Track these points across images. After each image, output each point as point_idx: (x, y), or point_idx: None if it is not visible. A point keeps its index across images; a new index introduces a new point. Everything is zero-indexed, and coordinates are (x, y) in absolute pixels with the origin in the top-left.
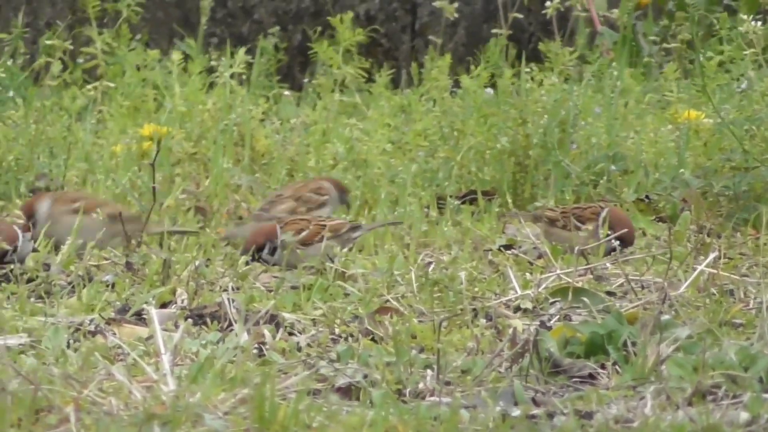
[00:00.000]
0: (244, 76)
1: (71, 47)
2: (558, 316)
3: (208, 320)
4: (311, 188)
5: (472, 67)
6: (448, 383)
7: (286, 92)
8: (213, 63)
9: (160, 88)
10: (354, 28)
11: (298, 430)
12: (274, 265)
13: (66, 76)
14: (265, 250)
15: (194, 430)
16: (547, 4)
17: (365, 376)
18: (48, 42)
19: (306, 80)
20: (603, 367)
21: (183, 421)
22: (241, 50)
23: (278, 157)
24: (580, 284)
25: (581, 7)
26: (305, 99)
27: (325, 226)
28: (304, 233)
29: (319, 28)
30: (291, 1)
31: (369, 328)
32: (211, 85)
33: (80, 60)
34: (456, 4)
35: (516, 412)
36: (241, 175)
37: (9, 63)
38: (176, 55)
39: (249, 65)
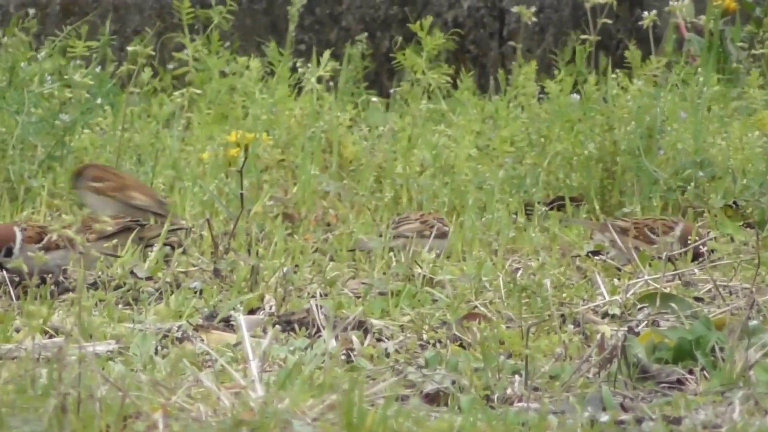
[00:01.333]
0: (331, 83)
1: (154, 53)
2: (646, 322)
3: (297, 326)
4: (438, 217)
5: (555, 72)
6: (536, 389)
7: (374, 99)
8: (300, 70)
9: (248, 94)
10: (442, 33)
11: None
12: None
13: (155, 83)
14: (2, 253)
15: None
16: (644, 14)
17: (453, 382)
18: (131, 48)
19: (393, 87)
20: (691, 372)
21: (271, 427)
22: (326, 53)
23: (366, 163)
24: (668, 290)
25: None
26: (393, 105)
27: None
28: (44, 239)
29: (399, 38)
30: (379, 8)
31: (457, 334)
32: (299, 92)
33: (170, 66)
34: (533, 8)
35: (604, 417)
36: (328, 182)
37: (97, 70)
38: (255, 63)
39: (337, 72)
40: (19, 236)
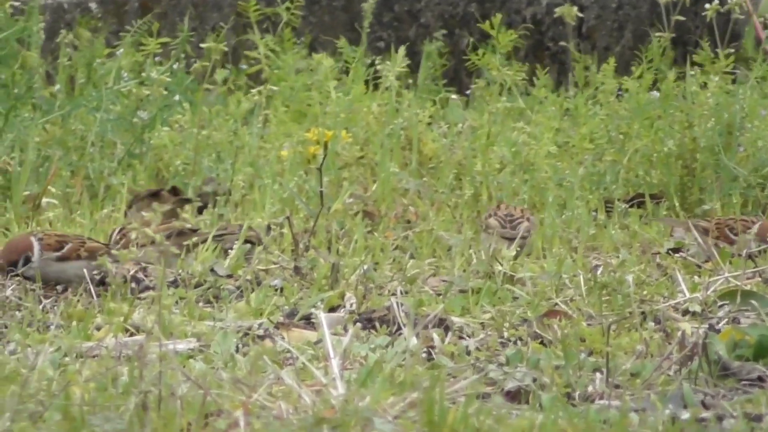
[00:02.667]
0: (410, 80)
1: (226, 50)
2: (726, 319)
3: (377, 324)
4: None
5: (633, 68)
6: (617, 386)
7: (453, 96)
8: (378, 66)
9: (324, 92)
10: (516, 30)
11: None
12: (27, 278)
13: (232, 80)
14: (20, 264)
15: None
16: (706, 6)
17: (534, 380)
18: (203, 45)
19: (472, 85)
20: None
21: (352, 425)
22: (401, 49)
23: (446, 161)
24: (748, 287)
25: (740, 9)
26: (472, 103)
27: (84, 243)
28: (65, 248)
29: (471, 38)
30: (457, 5)
31: (538, 331)
32: (376, 89)
33: (244, 66)
34: (577, 8)
35: (685, 415)
36: (408, 179)
37: (175, 67)
38: (328, 61)
39: (415, 69)
40: (36, 246)
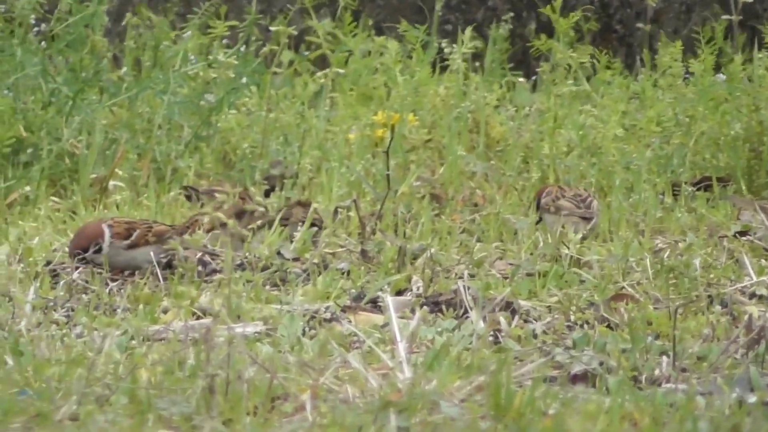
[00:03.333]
0: (477, 63)
1: (295, 33)
2: None
3: (444, 307)
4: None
5: (698, 51)
6: (684, 370)
7: (520, 79)
8: (446, 49)
9: (392, 75)
10: (584, 14)
11: (533, 418)
12: (96, 265)
13: (297, 63)
14: (91, 249)
15: (430, 418)
16: None
17: (601, 363)
18: (272, 28)
19: (539, 68)
20: None
21: (419, 408)
22: (468, 30)
23: (513, 143)
24: None
25: None
26: (539, 86)
27: (151, 228)
28: (133, 236)
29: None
30: None
31: (604, 314)
32: (443, 72)
33: (306, 52)
34: None
35: (752, 398)
36: (475, 162)
37: (242, 50)
38: (393, 44)
39: (483, 52)
40: (107, 233)
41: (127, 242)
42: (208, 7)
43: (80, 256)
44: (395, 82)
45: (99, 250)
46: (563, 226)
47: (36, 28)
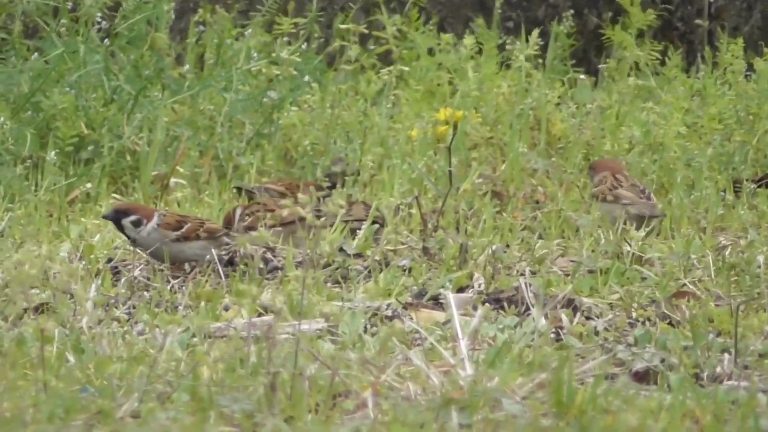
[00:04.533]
0: (539, 60)
1: (366, 31)
2: None
3: (506, 304)
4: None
5: (766, 50)
6: (745, 367)
7: (582, 76)
8: (508, 47)
9: (455, 72)
10: (651, 10)
11: (595, 415)
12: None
13: (363, 60)
14: (128, 219)
15: (492, 415)
16: None
17: (662, 360)
18: (342, 26)
19: (601, 65)
20: None
21: (481, 405)
22: (535, 32)
23: (574, 141)
24: None
25: None
26: (601, 83)
27: (203, 224)
28: (184, 228)
29: (607, 14)
30: None
31: (666, 312)
32: (504, 68)
33: (371, 47)
34: None
35: None
36: (537, 159)
37: (304, 47)
38: (469, 40)
39: (544, 49)
40: (156, 218)
41: (177, 233)
42: (271, 4)
43: (117, 221)
44: (460, 79)
45: (137, 224)
46: (625, 222)
47: (97, 26)
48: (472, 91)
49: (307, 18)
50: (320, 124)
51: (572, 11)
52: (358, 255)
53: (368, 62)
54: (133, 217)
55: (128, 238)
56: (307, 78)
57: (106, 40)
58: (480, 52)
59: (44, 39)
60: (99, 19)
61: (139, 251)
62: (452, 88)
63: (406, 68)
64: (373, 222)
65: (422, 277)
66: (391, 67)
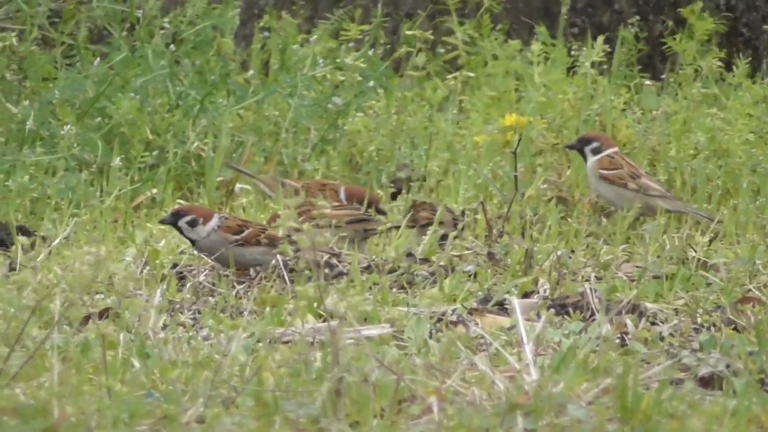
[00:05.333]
0: (604, 66)
1: (431, 37)
2: None
3: (571, 310)
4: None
5: None
6: None
7: (647, 82)
8: (573, 53)
9: (521, 78)
10: (712, 18)
11: (660, 420)
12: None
13: (430, 67)
14: (184, 220)
15: (557, 420)
16: None
17: (727, 366)
18: (408, 32)
19: (666, 71)
20: None
21: (546, 411)
22: (600, 38)
23: (640, 146)
24: None
25: None
26: (666, 89)
27: (264, 230)
28: (245, 232)
29: (670, 22)
30: None
31: (731, 317)
32: (569, 74)
33: (440, 50)
34: None
35: None
36: None
37: (369, 53)
38: (535, 46)
39: (609, 55)
40: (215, 220)
41: (237, 237)
42: (340, 15)
43: (174, 224)
44: (526, 86)
45: (193, 224)
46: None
47: (162, 30)
48: (538, 97)
49: (373, 24)
50: (385, 129)
51: (638, 17)
52: (424, 260)
53: (434, 68)
54: (188, 218)
55: (189, 240)
56: (372, 84)
57: (171, 45)
58: (546, 58)
59: (110, 44)
60: (165, 25)
61: (203, 257)
62: (518, 94)
63: (472, 74)
64: (441, 222)
65: (487, 282)
66: (457, 73)
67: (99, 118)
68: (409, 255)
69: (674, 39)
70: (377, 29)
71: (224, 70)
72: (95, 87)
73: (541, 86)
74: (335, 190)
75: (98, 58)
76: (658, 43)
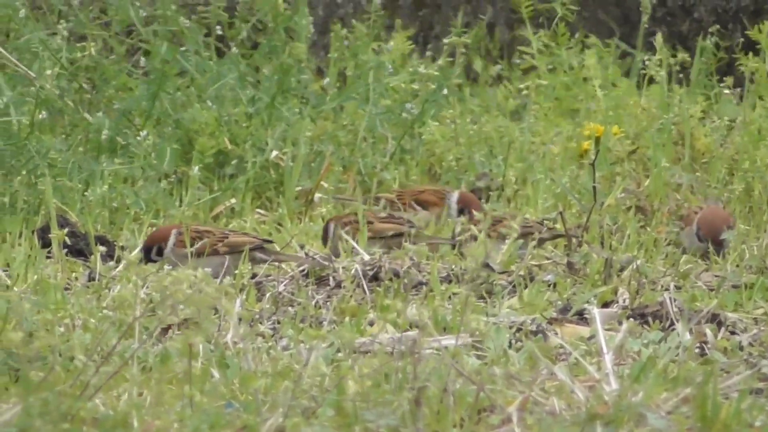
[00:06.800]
0: (681, 75)
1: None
2: None
3: (650, 319)
4: None
5: None
6: None
7: (726, 91)
8: (652, 61)
9: (598, 86)
10: None
11: (740, 429)
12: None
13: (505, 74)
14: (153, 252)
15: (637, 430)
16: None
17: None
18: (483, 41)
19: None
20: None
21: (625, 420)
22: (680, 49)
23: (718, 155)
24: None
25: None
26: (746, 97)
27: (225, 237)
28: (198, 244)
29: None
30: (731, 0)
31: None
32: (647, 83)
33: (516, 60)
34: None
35: None
36: (681, 174)
37: (445, 61)
38: (612, 54)
39: (688, 64)
40: (171, 238)
41: (191, 249)
42: (419, 23)
43: (147, 258)
44: (603, 94)
45: (159, 252)
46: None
47: (236, 39)
48: (612, 107)
49: (451, 33)
50: (463, 138)
51: (717, 26)
52: (503, 270)
53: (510, 76)
54: (154, 248)
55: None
56: (446, 92)
57: (234, 50)
58: (622, 66)
59: (185, 54)
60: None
61: None
62: (594, 102)
63: (545, 82)
64: (524, 235)
65: (567, 292)
66: (533, 82)
67: (176, 128)
68: (488, 265)
69: (746, 55)
70: (456, 38)
71: (299, 78)
72: (171, 96)
73: (617, 95)
74: (443, 195)
75: (174, 67)
76: (737, 51)
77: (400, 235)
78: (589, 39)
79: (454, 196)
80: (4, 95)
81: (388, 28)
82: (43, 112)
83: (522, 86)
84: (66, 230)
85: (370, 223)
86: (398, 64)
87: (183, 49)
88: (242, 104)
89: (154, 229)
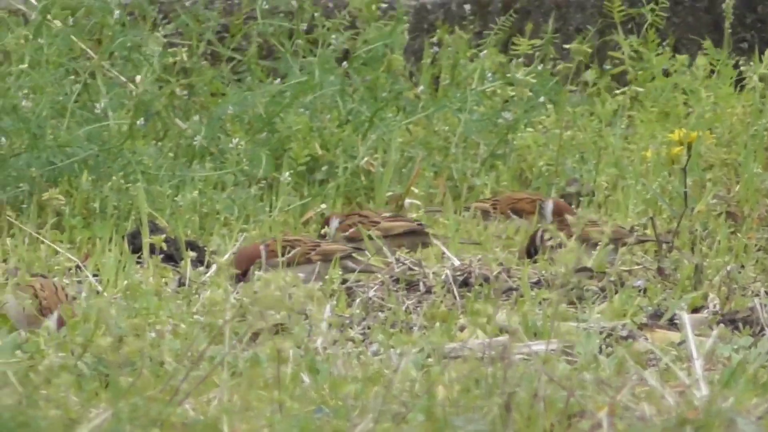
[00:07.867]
0: None
1: (592, 51)
2: None
3: (740, 325)
4: None
5: None
6: None
7: None
8: (741, 67)
9: (689, 92)
10: None
11: None
12: None
13: (599, 81)
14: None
15: None
16: None
17: None
18: (572, 46)
19: None
20: None
21: (716, 426)
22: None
23: None
24: None
25: None
26: None
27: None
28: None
29: None
30: None
31: None
32: (741, 90)
33: (606, 66)
34: None
35: None
36: None
37: (539, 68)
38: (702, 60)
39: None
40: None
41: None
42: (503, 22)
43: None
44: (695, 100)
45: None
46: None
47: (331, 46)
48: (707, 112)
49: (543, 39)
50: (555, 144)
51: None
52: (593, 276)
53: (603, 83)
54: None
55: None
56: (542, 99)
57: (344, 63)
58: (713, 72)
59: (280, 60)
60: (333, 40)
61: None
62: (686, 108)
63: (641, 89)
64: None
65: (657, 297)
66: (626, 88)
67: (268, 133)
68: (579, 270)
69: None
70: (547, 44)
71: (395, 87)
72: (265, 104)
73: (708, 101)
74: (536, 203)
75: (271, 76)
76: None
77: (412, 232)
78: (684, 44)
79: (549, 204)
80: (101, 101)
81: (478, 34)
82: (141, 119)
83: (617, 92)
84: (163, 236)
85: (377, 222)
86: (492, 70)
87: (276, 56)
88: (336, 111)
89: (242, 248)
